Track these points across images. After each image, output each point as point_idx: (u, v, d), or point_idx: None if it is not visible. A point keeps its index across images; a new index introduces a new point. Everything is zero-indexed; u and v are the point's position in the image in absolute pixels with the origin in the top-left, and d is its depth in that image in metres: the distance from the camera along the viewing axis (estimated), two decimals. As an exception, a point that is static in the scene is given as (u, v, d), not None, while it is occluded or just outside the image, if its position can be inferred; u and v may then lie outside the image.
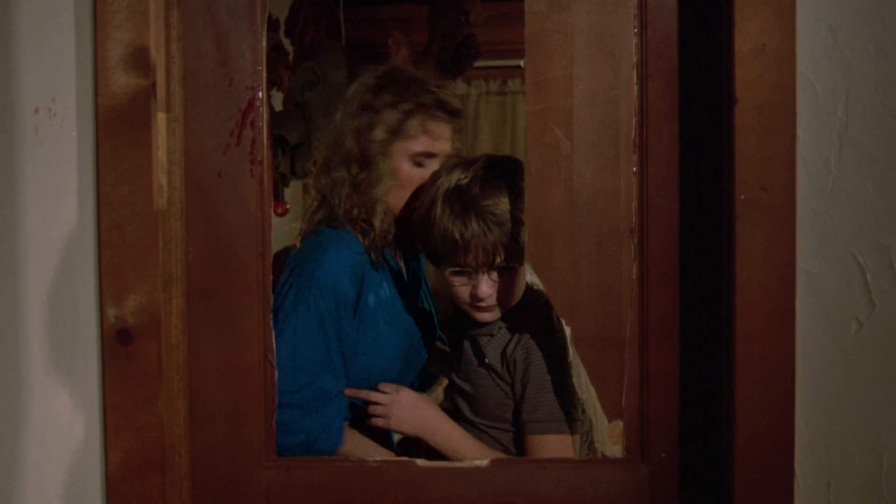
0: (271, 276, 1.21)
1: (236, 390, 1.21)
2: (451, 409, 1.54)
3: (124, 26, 1.11)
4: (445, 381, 1.66)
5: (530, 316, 1.43)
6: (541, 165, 1.18)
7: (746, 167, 1.07)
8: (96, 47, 1.11)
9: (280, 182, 2.45)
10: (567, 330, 1.19)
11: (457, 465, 1.22)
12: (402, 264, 1.61)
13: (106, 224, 1.12)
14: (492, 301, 1.42)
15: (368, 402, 1.51)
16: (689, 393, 1.17)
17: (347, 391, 1.51)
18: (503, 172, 1.42)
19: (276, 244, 1.64)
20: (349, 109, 1.55)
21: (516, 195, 1.38)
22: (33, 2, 1.05)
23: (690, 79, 1.15)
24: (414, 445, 1.59)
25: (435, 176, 1.48)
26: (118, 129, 1.11)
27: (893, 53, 1.08)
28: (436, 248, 1.43)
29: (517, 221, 1.38)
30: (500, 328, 1.48)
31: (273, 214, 1.27)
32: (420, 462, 1.22)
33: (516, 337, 1.45)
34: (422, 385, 1.70)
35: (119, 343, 1.13)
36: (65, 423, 1.10)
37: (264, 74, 1.19)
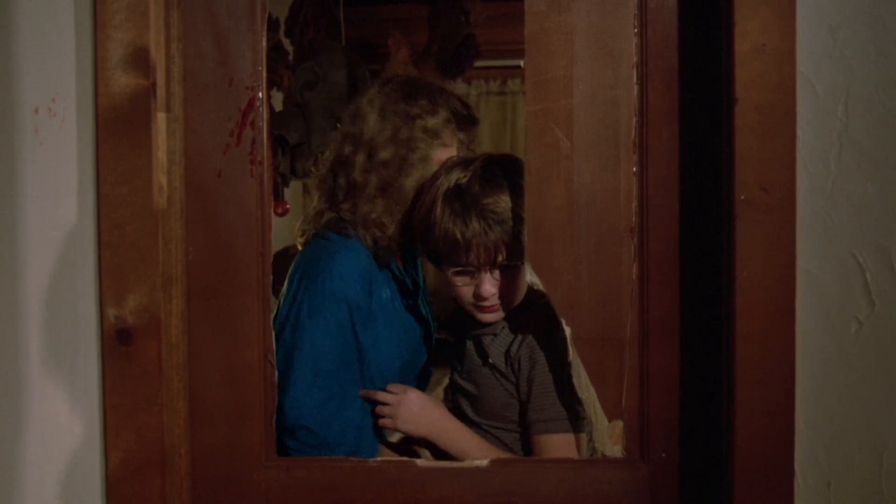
0: (271, 276, 1.21)
1: (236, 390, 1.21)
2: (452, 410, 1.54)
3: (124, 26, 1.11)
4: (446, 381, 1.66)
5: (533, 316, 1.43)
6: (541, 165, 1.18)
7: (746, 167, 1.07)
8: (96, 47, 1.11)
9: (280, 182, 2.45)
10: (567, 330, 1.19)
11: (457, 465, 1.22)
12: (401, 266, 1.62)
13: (106, 224, 1.12)
14: (495, 300, 1.42)
15: (376, 403, 1.51)
16: (689, 393, 1.17)
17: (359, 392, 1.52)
18: (502, 171, 1.42)
19: (276, 244, 1.64)
20: (384, 115, 1.55)
21: (516, 193, 1.38)
22: (33, 2, 1.05)
23: (690, 79, 1.15)
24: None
25: (434, 177, 1.48)
26: (118, 129, 1.11)
27: (893, 53, 1.08)
28: (437, 249, 1.43)
29: (518, 219, 1.38)
30: (503, 328, 1.47)
31: (273, 214, 1.27)
32: (420, 462, 1.22)
33: (520, 337, 1.45)
34: (419, 386, 1.69)
35: (119, 343, 1.13)
36: (65, 422, 1.10)
37: (264, 74, 1.19)
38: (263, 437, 1.22)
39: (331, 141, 1.64)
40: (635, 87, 1.16)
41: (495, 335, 1.48)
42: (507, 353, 1.46)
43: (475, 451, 1.41)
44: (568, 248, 1.18)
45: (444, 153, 1.54)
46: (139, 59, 1.11)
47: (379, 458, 1.23)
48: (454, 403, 1.55)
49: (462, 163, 1.46)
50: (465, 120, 1.59)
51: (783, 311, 1.08)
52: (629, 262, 1.17)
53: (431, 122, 1.54)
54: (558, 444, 1.40)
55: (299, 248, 1.63)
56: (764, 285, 1.07)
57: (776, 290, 1.07)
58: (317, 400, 1.44)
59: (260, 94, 1.19)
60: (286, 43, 2.57)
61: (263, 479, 1.22)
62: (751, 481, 1.09)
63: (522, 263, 1.39)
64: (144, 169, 1.12)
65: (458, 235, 1.38)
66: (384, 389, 1.51)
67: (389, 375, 1.54)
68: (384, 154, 1.53)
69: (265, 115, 1.19)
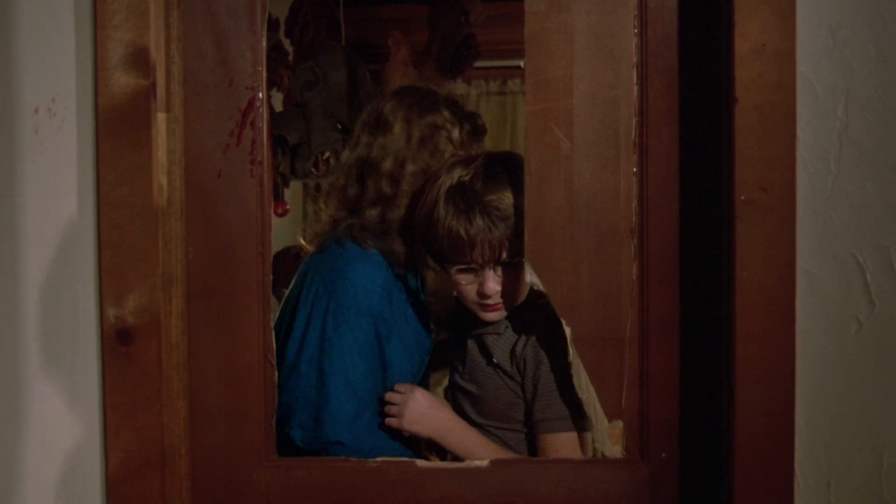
0: (271, 276, 1.21)
1: (236, 390, 1.21)
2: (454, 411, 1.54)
3: (124, 26, 1.11)
4: (445, 382, 1.66)
5: (536, 315, 1.43)
6: (541, 165, 1.18)
7: (746, 167, 1.07)
8: (96, 47, 1.11)
9: (280, 182, 2.45)
10: (567, 330, 1.19)
11: (457, 465, 1.22)
12: (414, 275, 1.62)
13: (106, 224, 1.12)
14: (498, 298, 1.42)
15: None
16: (689, 393, 1.17)
17: None
18: (504, 168, 1.42)
19: (276, 244, 1.64)
20: (409, 124, 1.57)
21: (519, 190, 1.38)
22: (33, 2, 1.05)
23: (690, 79, 1.15)
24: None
25: (435, 176, 1.48)
26: (118, 129, 1.11)
27: (893, 53, 1.08)
28: (440, 248, 1.43)
29: (521, 216, 1.38)
30: (506, 327, 1.47)
31: (273, 214, 1.27)
32: (420, 462, 1.22)
33: (524, 336, 1.45)
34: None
35: (119, 343, 1.13)
36: (65, 422, 1.10)
37: (264, 74, 1.19)
38: (263, 437, 1.22)
39: (348, 149, 1.64)
40: (635, 87, 1.16)
41: (499, 334, 1.48)
42: (513, 352, 1.46)
43: (481, 452, 1.40)
44: (568, 248, 1.18)
45: None
46: (139, 59, 1.11)
47: (379, 459, 1.22)
48: (454, 404, 1.55)
49: (463, 161, 1.46)
50: (480, 131, 1.64)
51: (783, 311, 1.08)
52: (629, 262, 1.17)
53: (455, 132, 1.57)
54: (565, 443, 1.40)
55: (304, 253, 1.63)
56: (764, 285, 1.07)
57: (776, 290, 1.07)
58: (350, 413, 1.44)
59: (260, 94, 1.19)
60: (286, 43, 2.57)
61: (263, 479, 1.22)
62: (751, 481, 1.09)
63: (525, 260, 1.39)
64: (144, 169, 1.12)
65: (463, 233, 1.38)
66: (392, 389, 1.51)
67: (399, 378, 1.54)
68: (414, 164, 1.55)
69: (265, 115, 1.19)
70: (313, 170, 2.36)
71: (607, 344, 1.18)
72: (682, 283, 1.16)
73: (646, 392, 1.18)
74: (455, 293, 1.50)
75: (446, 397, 1.61)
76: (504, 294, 1.42)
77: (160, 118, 1.14)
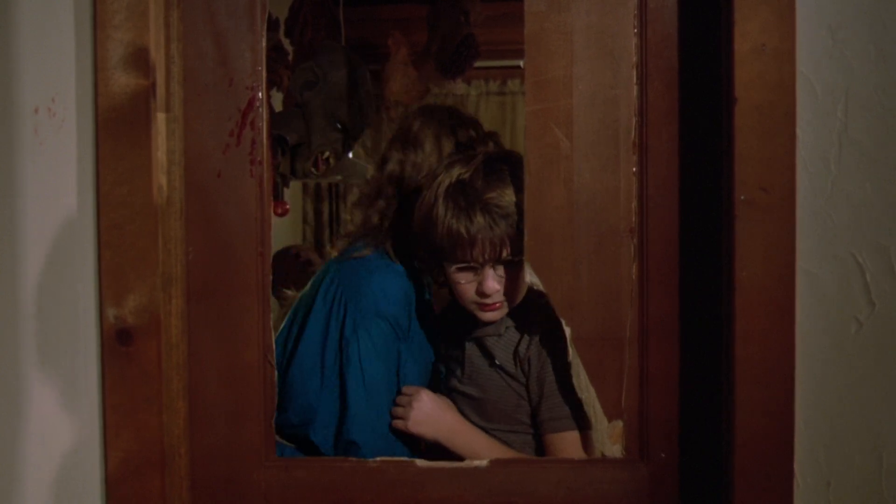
0: (271, 276, 1.21)
1: (236, 390, 1.21)
2: None
3: (124, 26, 1.11)
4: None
5: (538, 315, 1.42)
6: (540, 165, 1.18)
7: (746, 167, 1.07)
8: (96, 47, 1.11)
9: (280, 182, 2.45)
10: (567, 330, 1.19)
11: (456, 465, 1.22)
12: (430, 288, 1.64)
13: (106, 224, 1.12)
14: (498, 297, 1.41)
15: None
16: (689, 393, 1.17)
17: None
18: (503, 166, 1.42)
19: (276, 244, 1.64)
20: (439, 142, 1.62)
21: (518, 187, 1.38)
22: (33, 2, 1.05)
23: (690, 79, 1.15)
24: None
25: (433, 175, 1.48)
26: (118, 129, 1.11)
27: (893, 53, 1.08)
28: (440, 247, 1.42)
29: (522, 213, 1.38)
30: (507, 328, 1.46)
31: (273, 214, 1.27)
32: (420, 462, 1.22)
33: (527, 337, 1.44)
34: None
35: (119, 343, 1.13)
36: (65, 422, 1.10)
37: (264, 74, 1.19)
38: (263, 437, 1.22)
39: (377, 166, 1.70)
40: (635, 87, 1.16)
41: (499, 336, 1.47)
42: (516, 353, 1.45)
43: (488, 454, 1.38)
44: (568, 248, 1.18)
45: None
46: (139, 60, 1.11)
47: (379, 459, 1.22)
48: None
49: (462, 160, 1.46)
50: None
51: (783, 311, 1.08)
52: (629, 262, 1.17)
53: (480, 149, 1.60)
54: (573, 442, 1.38)
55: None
56: (764, 285, 1.07)
57: (776, 290, 1.07)
58: (369, 415, 1.45)
59: (260, 94, 1.19)
60: (286, 43, 2.56)
61: (263, 479, 1.22)
62: (751, 481, 1.09)
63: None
64: (144, 169, 1.12)
65: (463, 231, 1.38)
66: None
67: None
68: None
69: (265, 115, 1.19)
70: (313, 170, 2.36)
71: (607, 344, 1.18)
72: (681, 282, 1.16)
73: (645, 392, 1.18)
74: (448, 293, 1.51)
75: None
76: (504, 293, 1.41)
77: (160, 118, 1.14)
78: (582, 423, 1.38)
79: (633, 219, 1.17)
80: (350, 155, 2.60)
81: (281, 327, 1.59)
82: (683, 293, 1.16)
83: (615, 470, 1.19)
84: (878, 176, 1.08)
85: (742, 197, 1.07)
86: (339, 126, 2.23)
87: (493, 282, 1.40)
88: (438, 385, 1.56)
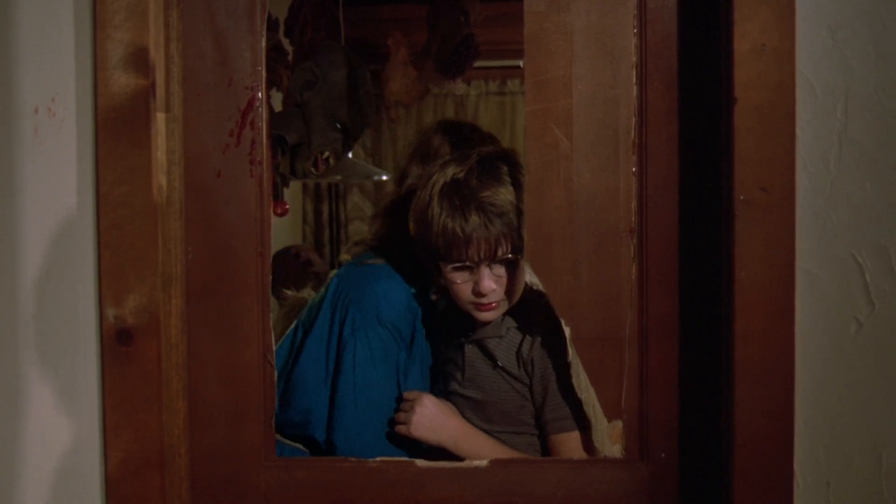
0: (271, 276, 1.21)
1: (236, 390, 1.21)
2: None
3: (124, 26, 1.11)
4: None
5: (539, 315, 1.41)
6: (540, 165, 1.18)
7: (746, 167, 1.07)
8: (96, 47, 1.11)
9: (279, 182, 2.45)
10: (567, 330, 1.19)
11: (456, 465, 1.22)
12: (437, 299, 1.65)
13: (105, 224, 1.12)
14: (494, 297, 1.41)
15: None
16: (689, 393, 1.17)
17: None
18: (498, 164, 1.42)
19: (276, 244, 1.64)
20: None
21: (513, 186, 1.38)
22: (33, 2, 1.05)
23: (690, 79, 1.15)
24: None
25: (428, 174, 1.47)
26: (117, 129, 1.11)
27: (893, 54, 1.08)
28: (436, 247, 1.42)
29: (517, 212, 1.37)
30: (508, 329, 1.46)
31: (273, 214, 1.27)
32: (420, 462, 1.22)
33: (529, 337, 1.43)
34: None
35: (119, 343, 1.13)
36: (65, 422, 1.10)
37: (264, 74, 1.19)
38: (263, 437, 1.22)
39: (396, 180, 1.73)
40: (635, 87, 1.16)
41: (500, 337, 1.46)
42: (518, 354, 1.44)
43: (494, 457, 1.38)
44: (568, 248, 1.18)
45: None
46: (139, 59, 1.11)
47: (379, 459, 1.22)
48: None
49: (457, 159, 1.45)
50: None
51: (783, 311, 1.08)
52: (629, 262, 1.17)
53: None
54: (578, 441, 1.37)
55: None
56: (763, 285, 1.07)
57: (776, 290, 1.07)
58: (354, 418, 1.46)
59: (259, 94, 1.19)
60: (286, 43, 2.56)
61: (263, 479, 1.22)
62: (750, 481, 1.09)
63: (521, 257, 1.38)
64: (144, 169, 1.12)
65: (459, 230, 1.37)
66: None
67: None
68: None
69: (265, 115, 1.19)
70: (313, 170, 2.36)
71: (607, 344, 1.18)
72: (681, 283, 1.16)
73: (645, 392, 1.18)
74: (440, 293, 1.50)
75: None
76: (500, 293, 1.41)
77: (160, 118, 1.14)
78: (582, 423, 1.38)
79: (633, 219, 1.17)
80: (350, 155, 2.60)
81: (292, 327, 1.60)
82: (683, 293, 1.16)
83: (615, 470, 1.19)
84: (878, 176, 1.08)
85: (742, 197, 1.07)
86: (338, 126, 2.23)
87: (490, 281, 1.39)
88: (437, 389, 1.56)
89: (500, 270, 1.40)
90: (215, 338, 1.21)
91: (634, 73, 1.16)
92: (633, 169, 1.17)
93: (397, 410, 1.48)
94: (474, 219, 1.37)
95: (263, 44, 1.19)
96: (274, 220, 1.33)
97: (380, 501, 1.20)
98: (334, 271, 1.70)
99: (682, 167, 1.15)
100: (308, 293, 2.41)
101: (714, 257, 1.14)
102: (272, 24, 2.44)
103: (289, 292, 2.40)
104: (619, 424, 1.19)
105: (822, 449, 1.10)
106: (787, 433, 1.08)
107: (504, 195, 1.38)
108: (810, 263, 1.09)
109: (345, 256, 1.71)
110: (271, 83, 2.51)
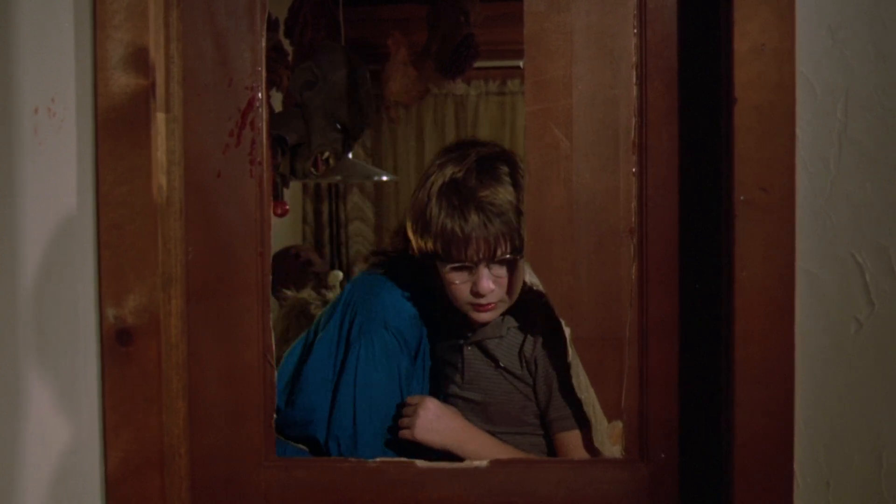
0: (271, 276, 1.21)
1: (236, 390, 1.21)
2: None
3: (124, 26, 1.11)
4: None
5: (539, 315, 1.41)
6: (540, 165, 1.18)
7: (746, 167, 1.07)
8: (96, 47, 1.11)
9: (279, 182, 2.45)
10: (567, 330, 1.19)
11: (456, 465, 1.22)
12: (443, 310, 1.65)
13: (105, 224, 1.12)
14: (493, 297, 1.40)
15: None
16: (689, 393, 1.17)
17: None
18: (496, 164, 1.41)
19: (276, 244, 1.65)
20: None
21: (512, 185, 1.38)
22: (33, 2, 1.05)
23: (690, 79, 1.15)
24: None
25: (426, 175, 1.46)
26: (117, 129, 1.11)
27: (893, 54, 1.08)
28: (434, 247, 1.41)
29: (516, 211, 1.37)
30: (508, 329, 1.45)
31: (273, 214, 1.27)
32: (420, 462, 1.22)
33: (531, 337, 1.43)
34: None
35: (119, 343, 1.13)
36: (64, 422, 1.10)
37: (264, 74, 1.19)
38: (263, 437, 1.22)
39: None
40: (635, 87, 1.16)
41: (501, 338, 1.45)
42: (521, 354, 1.44)
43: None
44: (568, 249, 1.18)
45: None
46: (139, 59, 1.11)
47: (378, 459, 1.22)
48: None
49: (455, 159, 1.44)
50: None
51: (783, 311, 1.08)
52: (629, 262, 1.17)
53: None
54: (582, 439, 1.38)
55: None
56: (764, 285, 1.07)
57: (776, 290, 1.07)
58: (353, 418, 1.46)
59: (259, 95, 1.19)
60: (286, 43, 2.56)
61: (263, 479, 1.22)
62: (750, 481, 1.09)
63: (520, 257, 1.38)
64: (144, 169, 1.12)
65: (458, 230, 1.37)
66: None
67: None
68: None
69: (265, 116, 1.19)
70: (313, 170, 2.36)
71: (607, 344, 1.18)
72: (681, 283, 1.16)
73: (645, 392, 1.18)
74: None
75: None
76: (499, 293, 1.40)
77: (159, 118, 1.14)
78: (582, 423, 1.38)
79: (633, 219, 1.17)
80: (350, 155, 2.60)
81: (308, 330, 1.63)
82: (683, 293, 1.16)
83: (615, 470, 1.19)
84: (878, 176, 1.08)
85: (742, 197, 1.07)
86: (338, 126, 2.23)
87: (488, 281, 1.38)
88: (437, 392, 1.55)
89: (499, 270, 1.40)
90: (215, 338, 1.21)
91: (634, 73, 1.16)
92: (633, 169, 1.17)
93: (399, 417, 1.48)
94: (473, 218, 1.36)
95: (263, 44, 1.19)
96: (274, 220, 1.33)
97: (380, 501, 1.20)
98: (334, 271, 1.71)
99: (682, 167, 1.15)
100: (308, 293, 2.41)
101: (714, 257, 1.14)
102: (272, 24, 2.44)
103: (289, 292, 2.40)
104: (619, 424, 1.19)
105: (822, 449, 1.10)
106: (787, 433, 1.08)
107: (503, 195, 1.38)
108: (810, 263, 1.09)
109: (361, 266, 1.73)
110: (271, 83, 2.51)
